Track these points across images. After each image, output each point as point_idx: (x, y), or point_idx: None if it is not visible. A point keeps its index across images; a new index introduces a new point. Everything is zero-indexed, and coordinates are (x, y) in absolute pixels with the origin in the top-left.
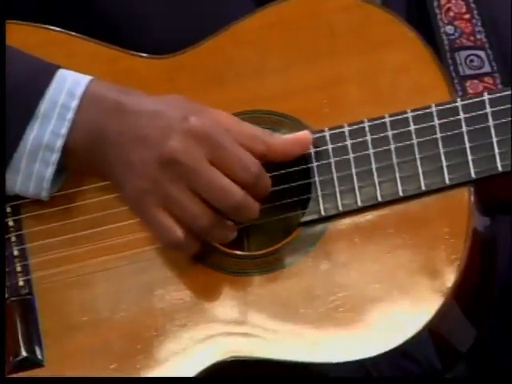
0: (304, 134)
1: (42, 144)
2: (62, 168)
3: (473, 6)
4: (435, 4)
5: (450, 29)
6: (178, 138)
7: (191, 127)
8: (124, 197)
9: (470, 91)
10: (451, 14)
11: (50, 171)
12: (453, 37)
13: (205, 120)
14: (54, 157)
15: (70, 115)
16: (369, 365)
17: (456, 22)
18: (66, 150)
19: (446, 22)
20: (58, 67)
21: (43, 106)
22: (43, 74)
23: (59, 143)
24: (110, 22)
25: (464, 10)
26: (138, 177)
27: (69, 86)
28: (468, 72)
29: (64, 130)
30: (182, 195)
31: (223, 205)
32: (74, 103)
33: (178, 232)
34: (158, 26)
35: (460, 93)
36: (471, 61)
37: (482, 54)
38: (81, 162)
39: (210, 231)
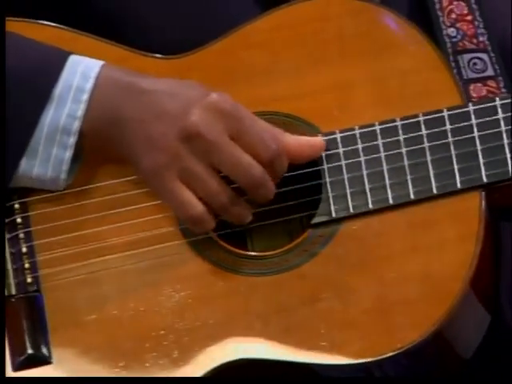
0: (318, 140)
1: (59, 127)
2: (78, 151)
3: (474, 7)
4: (437, 6)
5: (452, 31)
6: (199, 112)
7: (212, 102)
8: (142, 172)
9: (474, 95)
10: (453, 15)
11: (68, 154)
12: (455, 39)
13: (225, 97)
14: (72, 140)
15: (85, 97)
16: (373, 365)
17: (458, 24)
18: (82, 132)
19: (448, 24)
20: (70, 53)
21: (58, 90)
22: (56, 59)
23: (76, 126)
24: (110, 23)
25: (466, 12)
26: (158, 150)
27: (82, 69)
28: (471, 75)
29: (80, 113)
30: (202, 170)
31: (242, 180)
32: (89, 85)
33: (198, 207)
34: (158, 26)
35: (464, 95)
36: (474, 64)
37: (484, 56)
38: (98, 143)
39: (229, 208)
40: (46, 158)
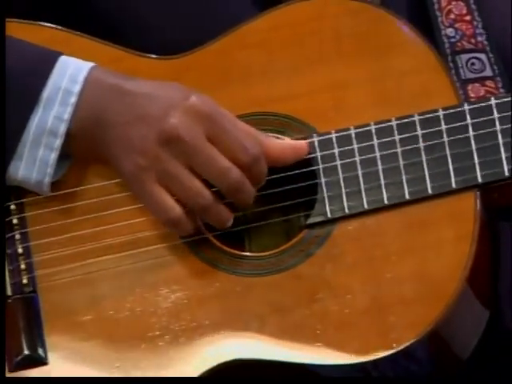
0: (301, 143)
1: (46, 129)
2: (65, 154)
3: (473, 7)
4: (436, 6)
5: (451, 31)
6: (178, 115)
7: (192, 105)
8: (122, 174)
9: (472, 95)
10: (452, 16)
11: (53, 156)
12: (454, 39)
13: (205, 100)
14: (58, 142)
15: (72, 100)
16: (370, 365)
17: (457, 25)
18: (69, 135)
19: (446, 24)
20: (60, 54)
21: (46, 92)
22: (45, 61)
23: (62, 128)
24: (109, 23)
25: (465, 12)
26: (137, 153)
27: (71, 71)
28: (469, 76)
29: (67, 115)
30: (181, 172)
31: (221, 183)
32: (77, 88)
33: (176, 209)
34: (157, 26)
35: (462, 97)
36: (472, 64)
37: (483, 56)
38: (83, 146)
39: (208, 210)
40: (32, 160)
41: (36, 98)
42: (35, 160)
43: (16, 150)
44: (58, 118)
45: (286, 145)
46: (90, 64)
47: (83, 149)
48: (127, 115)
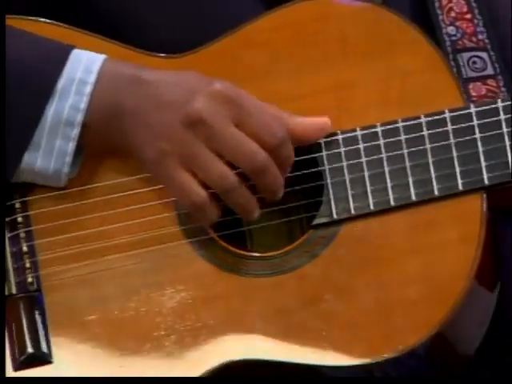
0: (322, 119)
1: (62, 119)
2: (81, 145)
3: (474, 5)
4: (436, 4)
5: (451, 30)
6: (203, 99)
7: (216, 90)
8: (144, 162)
9: (473, 94)
10: (453, 14)
11: (71, 146)
12: (455, 38)
13: (228, 85)
14: (75, 132)
15: (88, 89)
16: (374, 366)
17: (458, 23)
18: (85, 125)
19: (447, 22)
20: (73, 46)
21: (61, 83)
22: (58, 54)
23: (79, 118)
24: (109, 22)
25: (465, 10)
26: (161, 138)
27: (85, 62)
28: (471, 74)
29: (83, 105)
30: (206, 156)
31: (246, 165)
32: (92, 78)
33: (202, 193)
34: (157, 26)
35: (464, 96)
36: (474, 63)
37: (484, 55)
38: (98, 137)
39: (233, 194)
40: (49, 150)
41: (51, 88)
42: (53, 150)
43: (31, 140)
44: (74, 108)
45: (309, 122)
46: (103, 56)
47: (98, 140)
48: (145, 104)
